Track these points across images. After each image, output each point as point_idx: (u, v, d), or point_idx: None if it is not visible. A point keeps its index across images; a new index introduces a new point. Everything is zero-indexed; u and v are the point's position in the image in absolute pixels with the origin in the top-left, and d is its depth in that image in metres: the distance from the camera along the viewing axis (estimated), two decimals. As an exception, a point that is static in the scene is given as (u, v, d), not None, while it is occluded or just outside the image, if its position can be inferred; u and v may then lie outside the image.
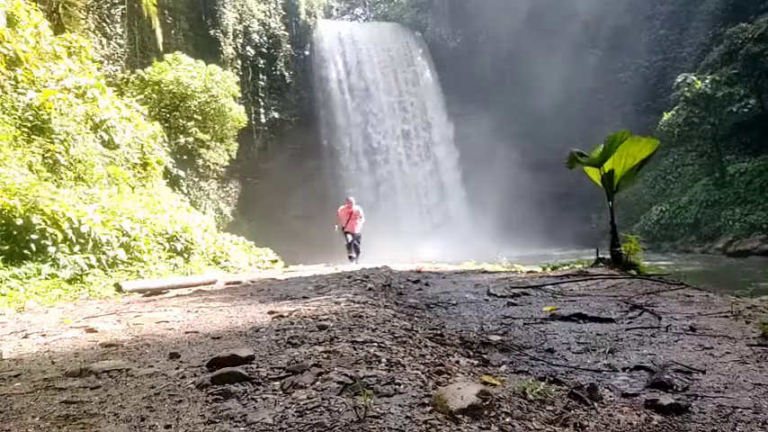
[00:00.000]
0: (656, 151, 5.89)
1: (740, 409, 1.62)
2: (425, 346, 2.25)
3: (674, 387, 1.83)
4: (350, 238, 13.39)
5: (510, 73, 33.50)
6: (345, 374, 1.65)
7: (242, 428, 1.33)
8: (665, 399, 1.67)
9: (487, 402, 1.44)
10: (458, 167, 34.31)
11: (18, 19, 9.71)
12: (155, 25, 19.42)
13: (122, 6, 19.38)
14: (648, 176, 27.58)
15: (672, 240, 25.87)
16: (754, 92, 24.53)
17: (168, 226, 9.26)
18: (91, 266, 6.72)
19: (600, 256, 6.09)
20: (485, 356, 2.32)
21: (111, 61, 19.70)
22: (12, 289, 5.50)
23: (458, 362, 2.11)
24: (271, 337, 2.38)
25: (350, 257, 13.39)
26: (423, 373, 1.76)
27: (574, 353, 2.37)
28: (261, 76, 30.18)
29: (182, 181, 19.22)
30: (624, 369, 2.08)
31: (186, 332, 2.78)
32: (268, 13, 30.83)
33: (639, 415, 1.59)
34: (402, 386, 1.57)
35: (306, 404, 1.44)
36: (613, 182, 5.89)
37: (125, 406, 1.57)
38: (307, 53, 33.17)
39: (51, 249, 6.35)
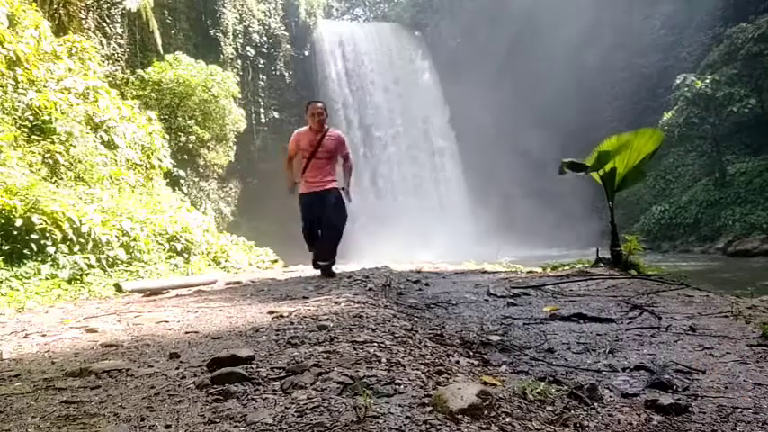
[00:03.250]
0: (661, 145, 5.83)
1: (740, 409, 1.62)
2: (425, 346, 2.25)
3: (674, 387, 1.82)
4: (310, 216, 5.86)
5: (510, 73, 33.50)
6: (345, 374, 1.65)
7: (242, 428, 1.33)
8: (665, 399, 1.67)
9: (487, 402, 1.44)
10: (458, 167, 34.35)
11: (18, 20, 9.71)
12: (153, 27, 19.45)
13: (122, 6, 19.38)
14: (648, 176, 27.62)
15: (672, 240, 25.87)
16: (754, 92, 24.53)
17: (168, 226, 9.26)
18: (91, 266, 6.73)
19: (600, 256, 6.08)
20: (485, 356, 2.32)
21: (111, 61, 19.70)
22: (12, 289, 5.50)
23: (458, 362, 2.11)
24: (271, 337, 2.38)
25: (317, 265, 6.02)
26: (423, 373, 1.76)
27: (574, 353, 2.37)
28: (261, 76, 30.20)
29: (182, 181, 19.23)
30: (624, 369, 2.08)
31: (186, 332, 2.78)
32: (268, 13, 30.83)
33: (639, 415, 1.59)
34: (402, 386, 1.57)
35: (306, 404, 1.44)
36: (614, 181, 5.87)
37: (125, 406, 1.57)
38: (307, 53, 33.18)
39: (51, 249, 6.36)
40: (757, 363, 2.09)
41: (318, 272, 6.20)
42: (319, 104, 5.99)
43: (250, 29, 29.51)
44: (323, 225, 5.90)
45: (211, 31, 27.06)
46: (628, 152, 5.67)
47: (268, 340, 2.32)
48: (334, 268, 6.12)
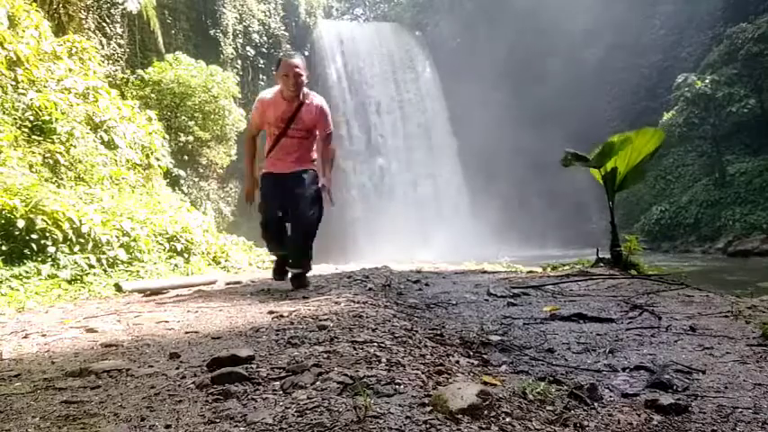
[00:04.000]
0: (662, 145, 5.83)
1: (740, 409, 1.62)
2: (425, 346, 2.25)
3: (674, 387, 1.83)
4: (273, 203, 4.36)
5: (510, 73, 33.49)
6: (345, 374, 1.65)
7: (242, 428, 1.33)
8: (665, 399, 1.68)
9: (487, 402, 1.44)
10: (458, 167, 34.35)
11: (18, 20, 9.72)
12: (153, 26, 19.47)
13: (122, 6, 19.39)
14: (648, 176, 27.66)
15: (672, 240, 25.88)
16: (754, 92, 24.55)
17: (168, 226, 9.27)
18: (91, 266, 6.73)
19: (600, 256, 6.09)
20: (485, 356, 2.32)
21: (111, 61, 19.70)
22: (12, 289, 5.50)
23: (458, 362, 2.11)
24: (271, 337, 2.38)
25: (281, 273, 4.72)
26: (423, 373, 1.76)
27: (574, 353, 2.37)
28: (261, 77, 30.19)
29: (182, 181, 19.24)
30: (624, 369, 2.08)
31: (186, 332, 2.78)
32: (268, 13, 30.84)
33: (639, 415, 1.59)
34: (402, 386, 1.57)
35: (306, 404, 1.44)
36: (615, 180, 5.87)
37: (125, 406, 1.57)
38: (307, 53, 33.17)
39: (51, 249, 6.36)
40: (757, 363, 2.09)
41: (275, 282, 4.78)
42: (296, 61, 4.22)
43: (250, 29, 29.52)
44: (292, 218, 4.37)
45: (211, 31, 27.06)
46: (629, 151, 5.68)
47: (268, 340, 2.32)
48: (308, 276, 4.66)
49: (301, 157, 4.45)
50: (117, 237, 7.49)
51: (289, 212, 4.39)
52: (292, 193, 4.31)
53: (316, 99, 4.48)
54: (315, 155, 4.58)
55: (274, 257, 4.81)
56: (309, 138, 4.48)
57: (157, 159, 12.63)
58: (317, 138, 4.54)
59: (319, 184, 4.43)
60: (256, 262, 13.07)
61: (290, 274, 4.63)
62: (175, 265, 8.73)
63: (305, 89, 4.36)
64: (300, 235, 4.37)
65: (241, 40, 29.04)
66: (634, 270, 5.39)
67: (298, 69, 4.20)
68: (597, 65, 32.84)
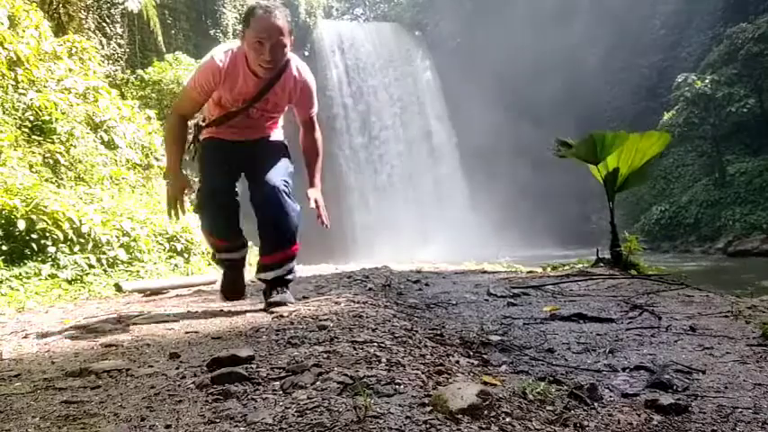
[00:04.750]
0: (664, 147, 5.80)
1: (740, 409, 1.62)
2: (425, 346, 2.25)
3: (674, 387, 1.82)
4: (224, 166, 3.06)
5: (510, 73, 33.49)
6: (345, 374, 1.65)
7: (242, 428, 1.33)
8: (665, 399, 1.67)
9: (487, 402, 1.43)
10: (458, 167, 34.37)
11: (19, 20, 9.72)
12: (154, 26, 19.49)
13: (122, 6, 19.40)
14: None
15: (672, 240, 25.91)
16: (754, 92, 24.59)
17: (168, 226, 9.27)
18: (91, 266, 6.74)
19: (600, 256, 6.08)
20: (485, 356, 2.32)
21: (111, 61, 19.71)
22: (12, 289, 5.51)
23: (458, 362, 2.10)
24: (271, 337, 2.38)
25: (235, 289, 3.58)
26: (423, 373, 1.76)
27: (574, 353, 2.37)
28: (261, 77, 30.24)
29: (182, 181, 19.23)
30: (624, 369, 2.08)
31: (186, 332, 2.78)
32: (268, 14, 30.90)
33: (639, 415, 1.59)
34: (402, 386, 1.57)
35: (306, 404, 1.43)
36: (616, 181, 5.86)
37: (125, 406, 1.57)
38: (307, 53, 33.21)
39: (51, 249, 6.37)
40: (757, 363, 2.09)
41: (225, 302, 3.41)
42: (277, 21, 2.76)
43: (250, 29, 29.57)
44: (259, 194, 3.11)
45: (211, 31, 27.08)
46: (632, 153, 5.64)
47: (268, 340, 2.32)
48: (291, 294, 3.21)
49: (263, 129, 3.24)
50: (117, 237, 7.49)
51: (252, 186, 3.12)
52: (254, 158, 3.06)
53: (298, 70, 3.01)
54: (281, 121, 3.40)
55: (222, 257, 3.41)
56: (277, 115, 3.24)
57: (157, 159, 12.63)
58: (283, 113, 3.25)
59: (311, 203, 3.17)
60: (256, 262, 13.06)
61: (258, 276, 3.27)
62: (175, 265, 8.74)
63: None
64: (273, 223, 3.09)
65: (241, 41, 29.10)
66: (634, 270, 5.38)
67: (281, 38, 2.76)
68: (597, 65, 32.86)
